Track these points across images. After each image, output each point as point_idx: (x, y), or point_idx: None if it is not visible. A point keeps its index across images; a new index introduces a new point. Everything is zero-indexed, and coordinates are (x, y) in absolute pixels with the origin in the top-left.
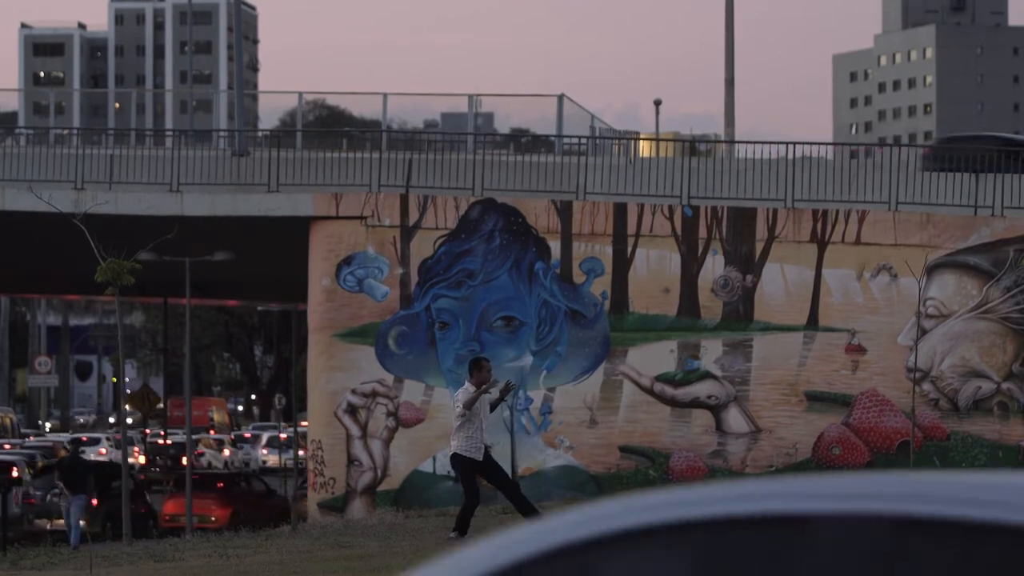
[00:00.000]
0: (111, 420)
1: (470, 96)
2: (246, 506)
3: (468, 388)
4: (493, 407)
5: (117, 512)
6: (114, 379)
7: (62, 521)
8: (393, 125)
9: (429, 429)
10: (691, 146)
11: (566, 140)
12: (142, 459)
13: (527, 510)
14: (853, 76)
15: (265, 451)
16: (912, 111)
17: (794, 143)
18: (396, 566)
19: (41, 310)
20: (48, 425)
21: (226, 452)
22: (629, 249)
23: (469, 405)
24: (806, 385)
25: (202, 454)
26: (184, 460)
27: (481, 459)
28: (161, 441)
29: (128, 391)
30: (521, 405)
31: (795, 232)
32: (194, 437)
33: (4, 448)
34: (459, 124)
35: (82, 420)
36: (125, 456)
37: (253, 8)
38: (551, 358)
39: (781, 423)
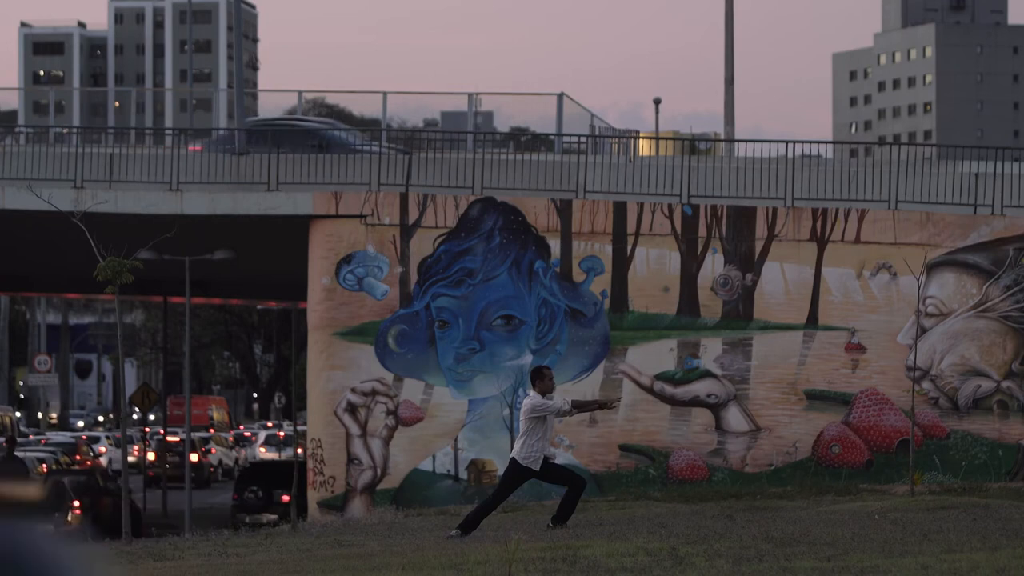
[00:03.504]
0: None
1: (470, 95)
2: None
3: (534, 395)
4: (585, 409)
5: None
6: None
7: (273, 516)
8: (393, 124)
9: (429, 428)
10: (691, 145)
11: (566, 139)
12: (151, 456)
13: (564, 512)
14: (853, 75)
15: (263, 449)
16: (912, 110)
17: (794, 142)
18: (396, 565)
19: (41, 309)
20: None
21: (242, 451)
22: (629, 248)
23: (575, 406)
24: (806, 384)
25: (214, 452)
26: (194, 457)
27: (538, 469)
28: (170, 438)
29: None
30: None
31: (795, 231)
32: (204, 436)
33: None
34: (459, 123)
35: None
36: (124, 456)
37: (253, 7)
38: (551, 357)
39: (781, 422)
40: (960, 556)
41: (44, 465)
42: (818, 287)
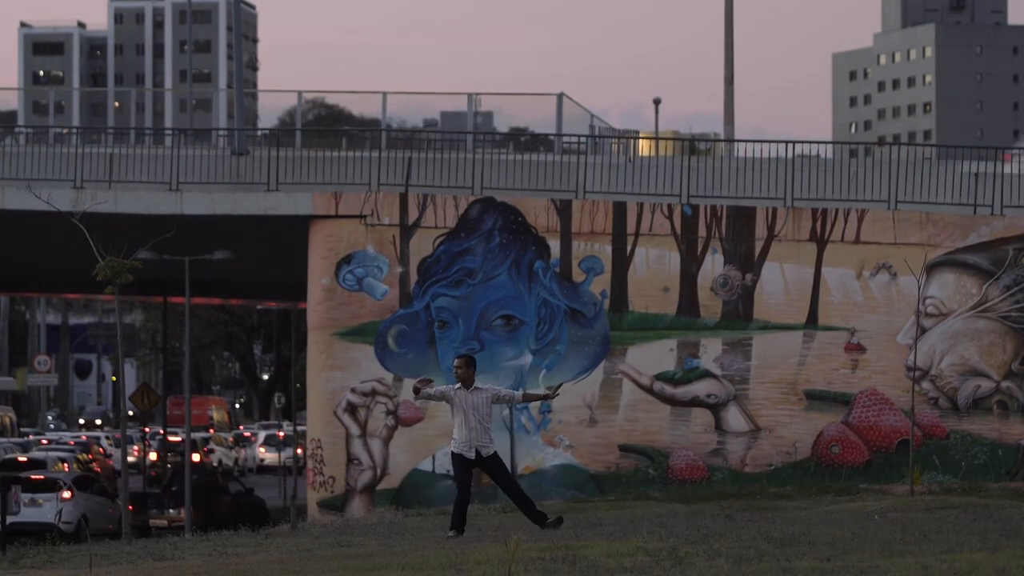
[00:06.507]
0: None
1: (470, 95)
2: None
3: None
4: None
5: None
6: (113, 377)
7: None
8: (393, 124)
9: (428, 428)
10: (691, 145)
11: (565, 139)
12: (153, 456)
13: (531, 512)
14: (853, 75)
15: (263, 449)
16: (912, 110)
17: (794, 142)
18: (396, 565)
19: (40, 309)
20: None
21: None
22: (628, 248)
23: (417, 392)
24: (805, 384)
25: (213, 452)
26: (196, 457)
27: (472, 457)
28: (172, 438)
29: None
30: (520, 404)
31: (794, 231)
32: (204, 436)
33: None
34: (459, 123)
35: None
36: (124, 456)
37: (253, 7)
38: (551, 357)
39: (781, 422)
40: (960, 556)
41: (65, 464)
42: (818, 287)
